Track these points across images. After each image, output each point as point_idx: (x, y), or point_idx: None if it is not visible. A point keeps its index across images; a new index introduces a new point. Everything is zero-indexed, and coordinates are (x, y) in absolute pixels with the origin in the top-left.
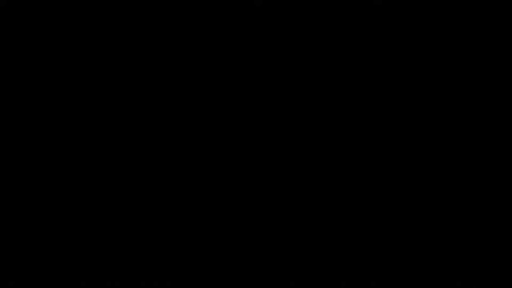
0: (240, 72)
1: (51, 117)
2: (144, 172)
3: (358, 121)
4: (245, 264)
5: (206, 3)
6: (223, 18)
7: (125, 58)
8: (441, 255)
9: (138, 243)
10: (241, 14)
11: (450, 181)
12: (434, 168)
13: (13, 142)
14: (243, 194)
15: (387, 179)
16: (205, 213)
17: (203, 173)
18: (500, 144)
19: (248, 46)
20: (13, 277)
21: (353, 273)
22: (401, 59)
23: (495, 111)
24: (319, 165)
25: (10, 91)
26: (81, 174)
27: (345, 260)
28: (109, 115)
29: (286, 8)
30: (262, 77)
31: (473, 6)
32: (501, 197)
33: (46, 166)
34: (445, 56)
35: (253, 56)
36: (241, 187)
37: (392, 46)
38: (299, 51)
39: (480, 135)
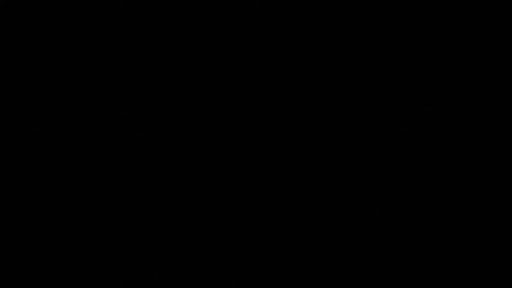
0: (240, 72)
1: (51, 117)
2: (144, 172)
3: (358, 121)
4: (245, 264)
5: (206, 3)
6: (223, 18)
7: (125, 58)
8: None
9: (138, 243)
10: (241, 14)
11: (450, 181)
12: (434, 168)
13: (13, 142)
14: (243, 194)
15: (387, 179)
16: (205, 213)
17: (203, 173)
18: (500, 144)
19: (248, 46)
20: (13, 277)
21: (353, 273)
22: (401, 60)
23: (495, 111)
24: (319, 165)
25: (10, 91)
26: (81, 174)
27: (345, 260)
28: (109, 115)
29: (286, 8)
30: (262, 77)
31: (473, 6)
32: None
33: (46, 166)
34: (444, 56)
35: (253, 56)
36: (241, 187)
37: (391, 46)
38: (299, 51)
39: (480, 135)
